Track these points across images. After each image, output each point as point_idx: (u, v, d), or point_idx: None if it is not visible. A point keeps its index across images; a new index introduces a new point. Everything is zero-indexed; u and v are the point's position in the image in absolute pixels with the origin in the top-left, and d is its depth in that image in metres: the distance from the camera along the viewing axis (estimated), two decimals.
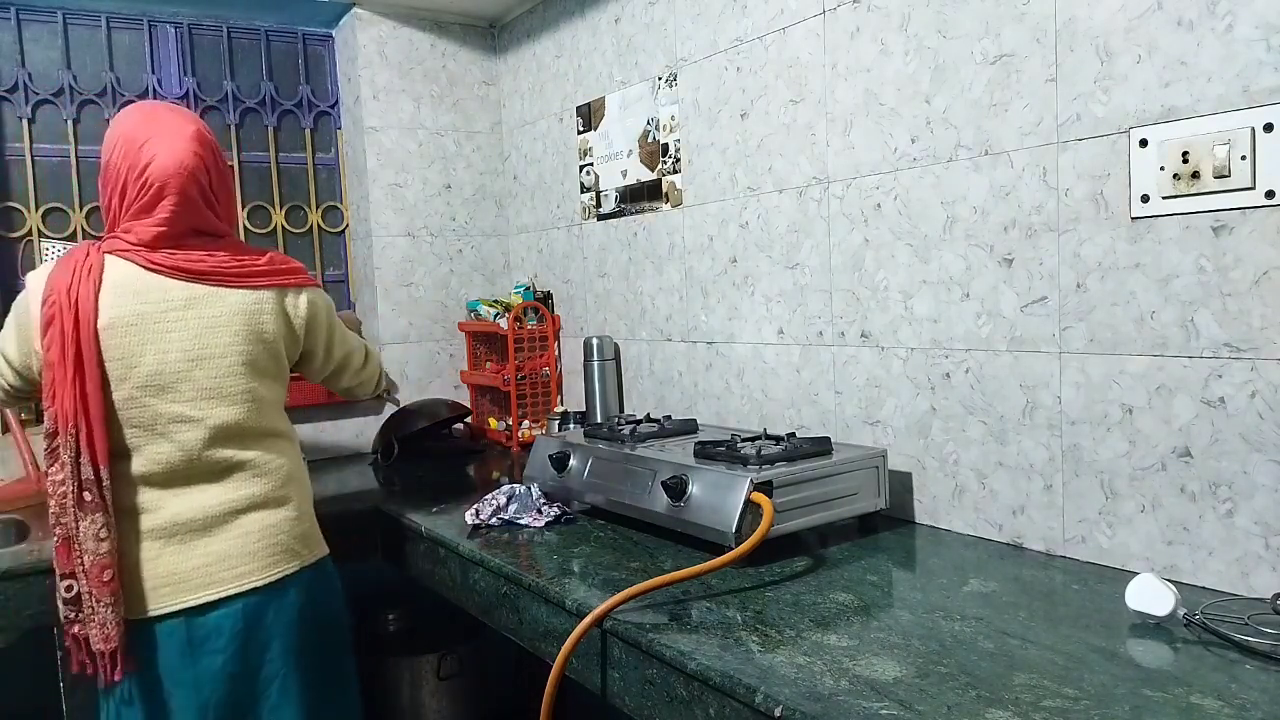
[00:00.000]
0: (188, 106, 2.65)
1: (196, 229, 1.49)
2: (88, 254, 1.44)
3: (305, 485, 1.61)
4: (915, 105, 1.60)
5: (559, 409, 2.63)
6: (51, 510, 1.39)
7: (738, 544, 1.37)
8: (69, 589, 1.38)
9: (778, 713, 0.97)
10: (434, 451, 2.62)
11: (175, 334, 1.43)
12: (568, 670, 1.28)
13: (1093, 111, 1.34)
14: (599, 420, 2.35)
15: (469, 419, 2.80)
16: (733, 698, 1.04)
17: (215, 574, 1.44)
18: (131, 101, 2.56)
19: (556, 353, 2.72)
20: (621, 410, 2.45)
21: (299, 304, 1.57)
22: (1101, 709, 0.93)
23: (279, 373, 1.56)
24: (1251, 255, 1.18)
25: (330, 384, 1.75)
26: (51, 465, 1.38)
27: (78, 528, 1.37)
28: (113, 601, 1.37)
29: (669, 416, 2.01)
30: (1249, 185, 1.17)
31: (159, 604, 1.42)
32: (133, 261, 1.44)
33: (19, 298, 1.50)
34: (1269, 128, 1.15)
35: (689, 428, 1.95)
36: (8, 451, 2.26)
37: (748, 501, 1.41)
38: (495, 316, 2.70)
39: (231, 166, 1.63)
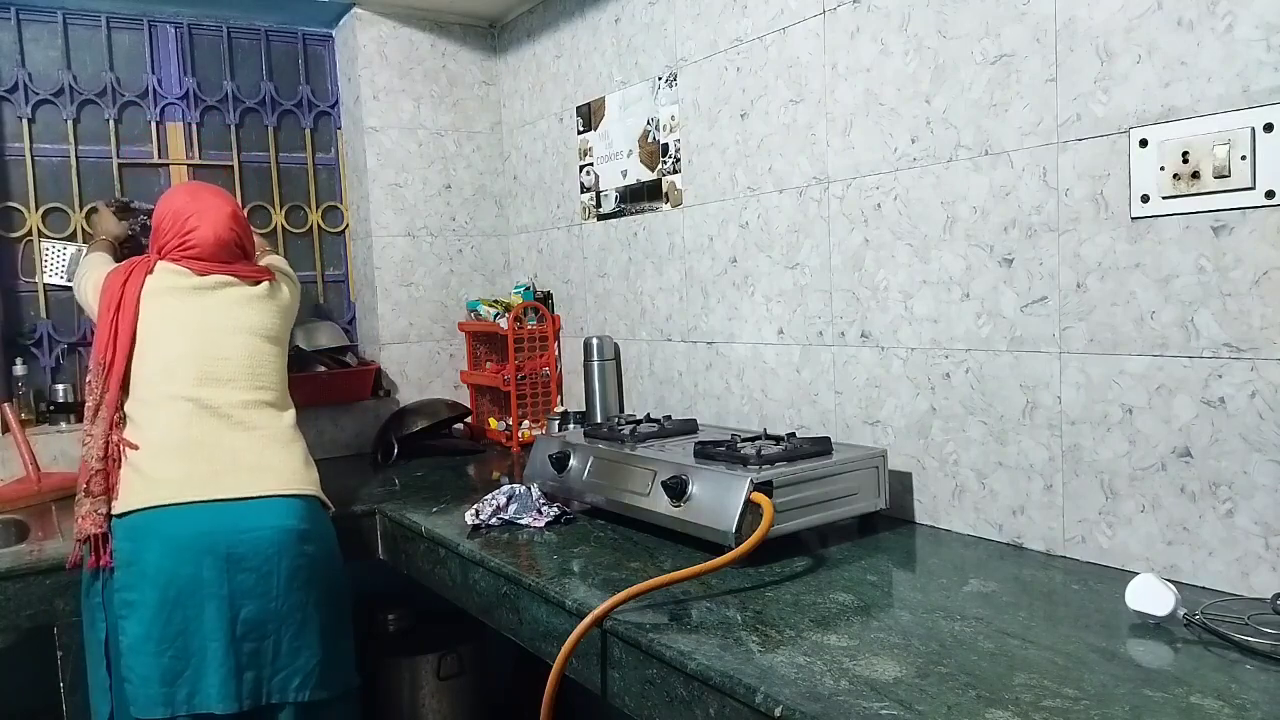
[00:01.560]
0: (188, 107, 2.65)
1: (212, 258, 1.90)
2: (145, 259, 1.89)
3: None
4: (915, 105, 1.60)
5: (559, 409, 2.63)
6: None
7: (738, 544, 1.37)
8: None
9: (778, 713, 0.97)
10: (434, 451, 2.62)
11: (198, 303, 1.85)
12: (568, 670, 1.28)
13: (1093, 111, 1.34)
14: (599, 420, 2.35)
15: (469, 419, 2.80)
16: (733, 698, 1.03)
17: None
18: (133, 102, 2.57)
19: (556, 353, 2.72)
20: (621, 410, 2.45)
21: None
22: (1101, 709, 0.93)
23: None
24: (1251, 255, 1.18)
25: None
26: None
27: (90, 430, 1.75)
28: (102, 494, 1.71)
29: (669, 416, 2.01)
30: (1249, 185, 1.17)
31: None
32: (174, 262, 1.87)
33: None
34: (1269, 128, 1.15)
35: (689, 428, 1.94)
36: (8, 451, 2.25)
37: (748, 501, 1.41)
38: (495, 316, 2.70)
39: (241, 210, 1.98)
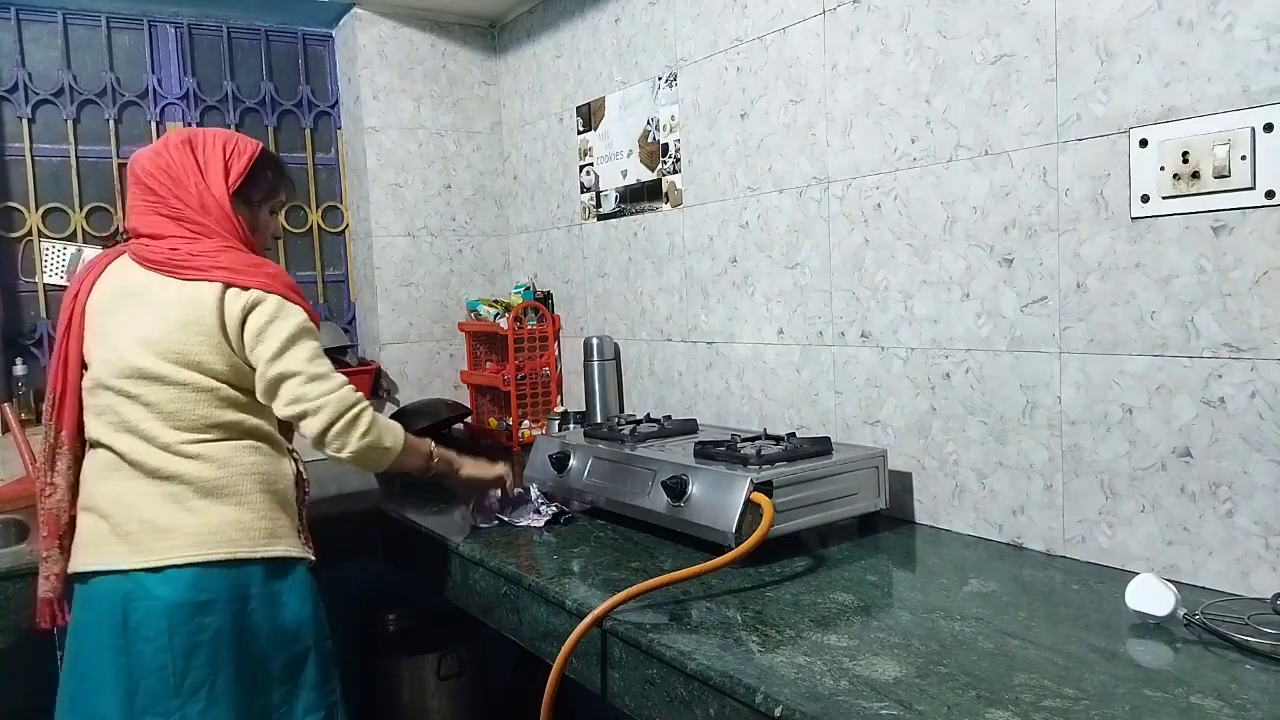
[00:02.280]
0: (188, 107, 2.65)
1: (144, 232, 1.57)
2: None
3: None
4: (915, 105, 1.60)
5: (559, 409, 2.63)
6: None
7: (738, 544, 1.37)
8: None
9: (778, 713, 0.97)
10: None
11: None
12: (568, 670, 1.28)
13: (1093, 111, 1.34)
14: (599, 420, 2.35)
15: (469, 419, 2.80)
16: (733, 698, 1.03)
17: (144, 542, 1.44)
18: (133, 102, 2.57)
19: (556, 353, 2.72)
20: (621, 410, 2.45)
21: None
22: (1101, 709, 0.93)
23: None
24: (1251, 255, 1.18)
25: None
26: None
27: (41, 484, 1.54)
28: (55, 553, 1.54)
29: (669, 416, 2.01)
30: (1249, 185, 1.17)
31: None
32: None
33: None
34: (1269, 128, 1.15)
35: (689, 428, 1.94)
36: (8, 452, 2.25)
37: (748, 501, 1.41)
38: (495, 316, 2.70)
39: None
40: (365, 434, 1.49)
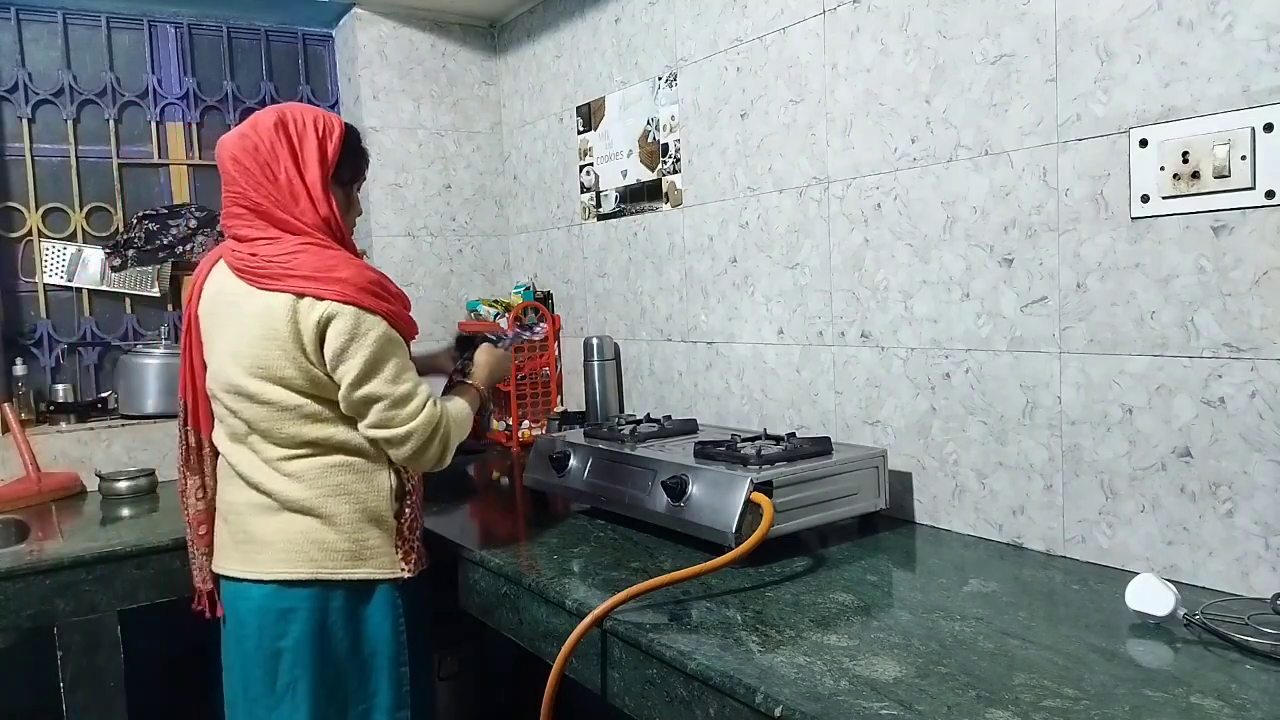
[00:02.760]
0: (188, 107, 2.65)
1: (240, 232, 1.54)
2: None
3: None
4: (915, 105, 1.60)
5: (559, 409, 2.63)
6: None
7: (738, 544, 1.37)
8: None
9: (778, 713, 0.97)
10: None
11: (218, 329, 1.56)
12: (568, 670, 1.28)
13: (1093, 111, 1.34)
14: (599, 420, 2.35)
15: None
16: (733, 698, 1.03)
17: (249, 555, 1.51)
18: (133, 102, 2.57)
19: (556, 353, 2.72)
20: (621, 410, 2.45)
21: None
22: (1101, 709, 0.93)
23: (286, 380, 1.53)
24: (1251, 255, 1.18)
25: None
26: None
27: (184, 485, 1.58)
28: (206, 551, 1.59)
29: (669, 416, 2.01)
30: (1249, 185, 1.17)
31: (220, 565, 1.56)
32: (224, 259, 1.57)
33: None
34: (1269, 128, 1.15)
35: (689, 428, 1.94)
36: (8, 452, 2.25)
37: (748, 501, 1.41)
38: (495, 316, 2.70)
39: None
40: (446, 449, 1.51)
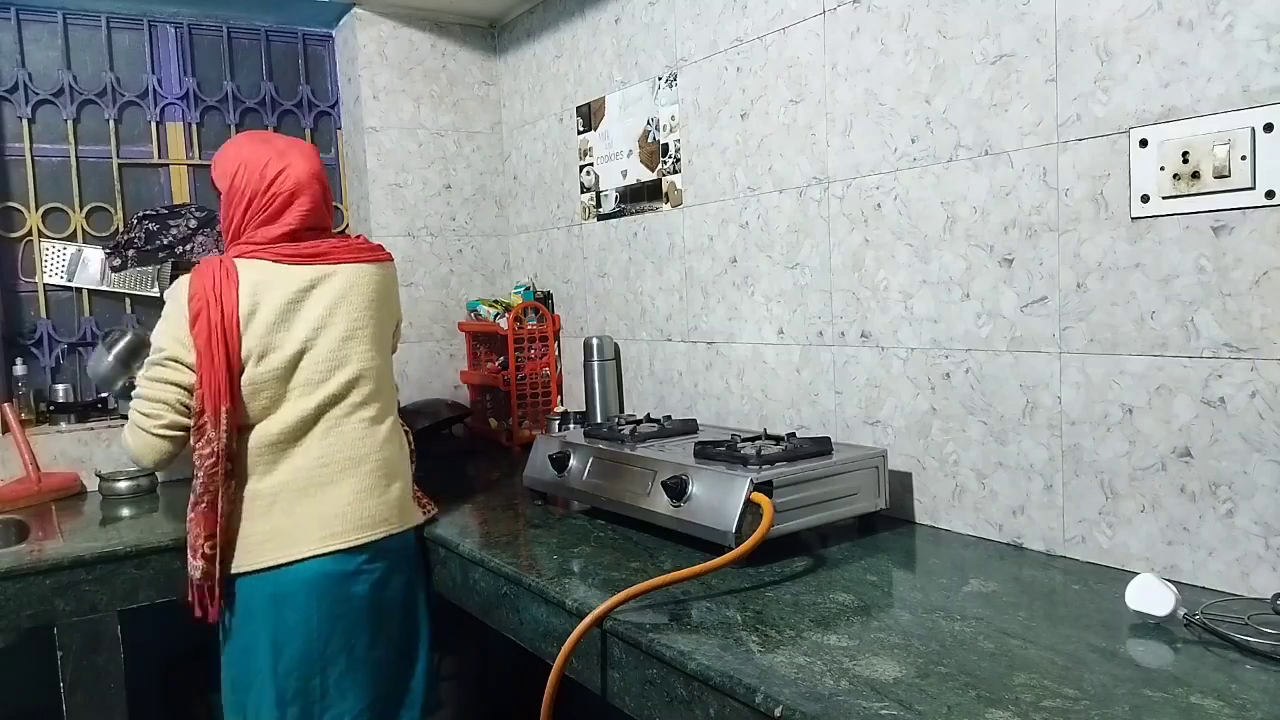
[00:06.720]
0: (188, 107, 2.65)
1: (312, 226, 1.72)
2: (220, 263, 1.64)
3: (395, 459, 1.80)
4: (915, 105, 1.60)
5: (559, 409, 2.63)
6: (199, 479, 1.61)
7: (738, 544, 1.37)
8: (211, 545, 1.61)
9: (778, 713, 0.97)
10: (434, 451, 2.62)
11: (305, 311, 1.66)
12: (568, 670, 1.28)
13: (1093, 111, 1.34)
14: (599, 420, 2.35)
15: (469, 419, 2.80)
16: (733, 698, 1.03)
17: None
18: (133, 102, 2.57)
19: (556, 353, 2.72)
20: (621, 410, 2.45)
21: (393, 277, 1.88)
22: (1101, 709, 0.93)
23: (386, 343, 1.82)
24: (1251, 255, 1.18)
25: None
26: (199, 440, 1.61)
27: (222, 492, 1.61)
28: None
29: (669, 416, 2.01)
30: (1249, 185, 1.17)
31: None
32: (261, 259, 1.65)
33: (168, 303, 1.67)
34: (1269, 128, 1.15)
35: (689, 428, 1.94)
36: (8, 452, 2.26)
37: (748, 501, 1.41)
38: (495, 316, 2.70)
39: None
40: None
